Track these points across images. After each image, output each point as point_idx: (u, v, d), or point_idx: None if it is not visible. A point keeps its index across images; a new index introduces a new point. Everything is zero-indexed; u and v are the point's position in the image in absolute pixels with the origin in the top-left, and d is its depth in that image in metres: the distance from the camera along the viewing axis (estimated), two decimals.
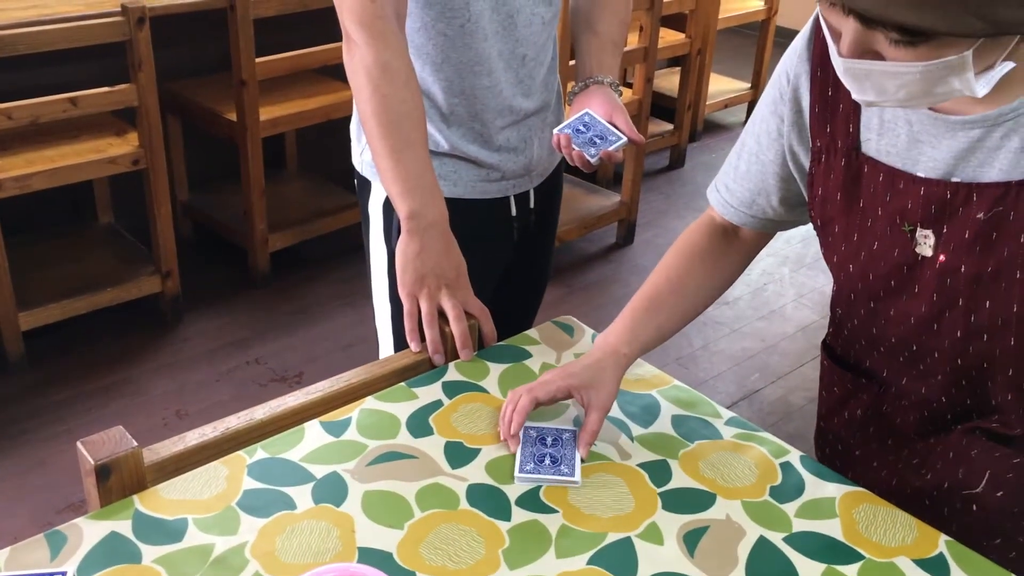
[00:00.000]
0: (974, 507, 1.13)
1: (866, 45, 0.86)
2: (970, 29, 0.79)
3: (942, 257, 1.02)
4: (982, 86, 0.87)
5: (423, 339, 1.29)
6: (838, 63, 0.90)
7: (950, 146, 0.99)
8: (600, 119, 1.42)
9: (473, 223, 1.46)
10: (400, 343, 1.60)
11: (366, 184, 1.54)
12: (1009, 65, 0.87)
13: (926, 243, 1.03)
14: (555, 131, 1.43)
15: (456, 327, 1.26)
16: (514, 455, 1.11)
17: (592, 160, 1.39)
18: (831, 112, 1.08)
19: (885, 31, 0.83)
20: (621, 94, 1.49)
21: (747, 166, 1.20)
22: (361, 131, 1.51)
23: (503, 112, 1.47)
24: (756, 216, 1.22)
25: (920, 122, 1.01)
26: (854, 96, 0.93)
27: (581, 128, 1.41)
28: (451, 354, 1.28)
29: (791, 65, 1.12)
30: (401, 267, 1.29)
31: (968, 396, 1.11)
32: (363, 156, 1.52)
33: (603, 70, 1.50)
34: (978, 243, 0.99)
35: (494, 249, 1.58)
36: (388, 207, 1.48)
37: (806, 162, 1.13)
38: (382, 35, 1.28)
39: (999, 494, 1.11)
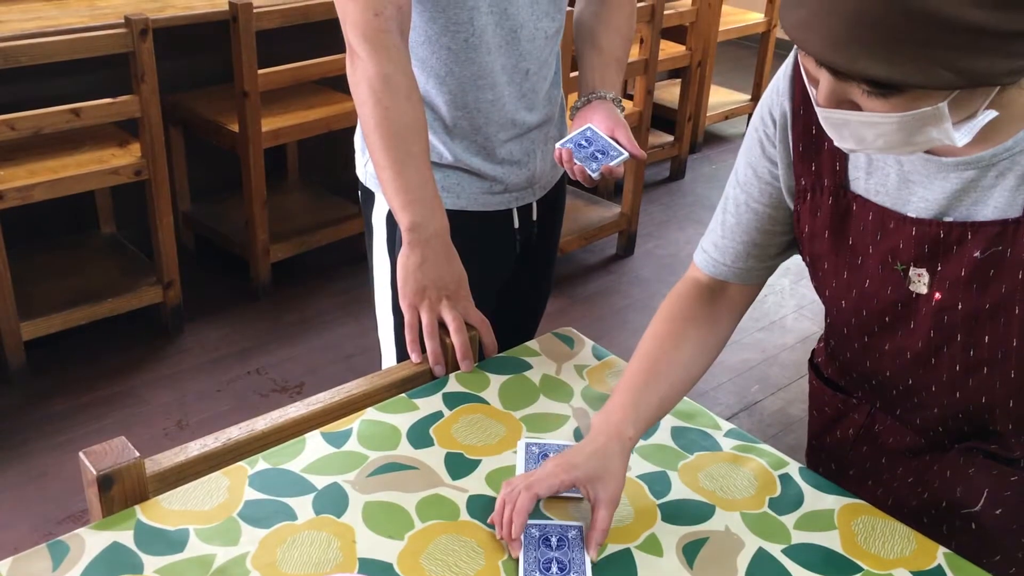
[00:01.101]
0: (973, 525, 1.13)
1: (842, 95, 0.86)
2: (941, 81, 0.78)
3: (937, 295, 1.01)
4: (963, 135, 0.86)
5: (424, 350, 1.29)
6: (818, 111, 0.89)
7: (943, 187, 0.97)
8: (602, 134, 1.42)
9: (476, 235, 1.47)
10: (402, 354, 1.61)
11: (370, 196, 1.55)
12: (991, 114, 0.86)
13: (920, 281, 1.02)
14: (557, 145, 1.43)
15: (456, 338, 1.27)
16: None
17: (594, 175, 1.39)
18: (815, 150, 1.06)
19: (857, 83, 0.82)
20: (624, 109, 1.50)
21: (737, 218, 1.16)
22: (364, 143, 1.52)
23: (506, 125, 1.48)
24: (751, 269, 1.18)
25: (911, 162, 0.99)
26: (836, 143, 0.92)
27: (583, 143, 1.42)
28: (452, 365, 1.29)
29: (774, 104, 1.09)
30: (402, 279, 1.30)
31: (965, 425, 1.11)
32: (367, 168, 1.53)
33: (606, 86, 1.50)
34: (975, 281, 0.98)
35: (496, 261, 1.58)
36: (391, 219, 1.49)
37: (790, 201, 1.11)
38: (385, 49, 1.29)
39: (998, 512, 1.11)
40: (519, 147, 1.51)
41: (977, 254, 0.97)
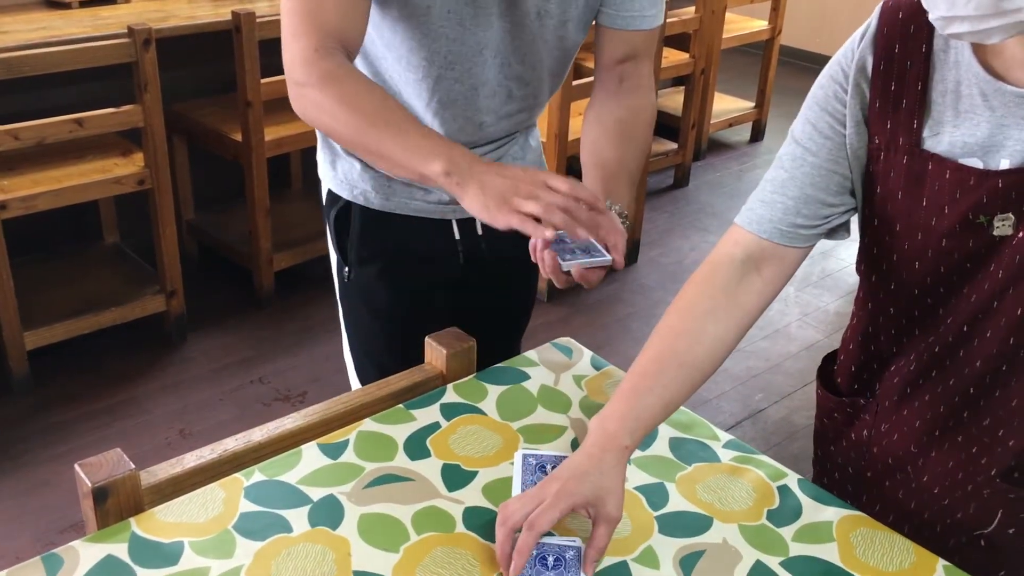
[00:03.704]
0: (982, 543, 1.12)
1: None
2: None
3: (1021, 234, 0.99)
4: None
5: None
6: None
7: None
8: (591, 239, 1.21)
9: (417, 238, 1.46)
10: (362, 370, 1.61)
11: (326, 210, 1.53)
12: None
13: (1005, 224, 1.00)
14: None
15: (583, 218, 1.11)
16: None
17: (563, 266, 1.17)
18: (893, 107, 1.05)
19: None
20: (628, 221, 1.32)
21: (791, 172, 1.13)
22: (327, 147, 1.50)
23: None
24: (797, 228, 1.13)
25: (1005, 105, 0.98)
26: (930, 16, 0.92)
27: (567, 239, 1.20)
28: (450, 375, 1.28)
29: (851, 60, 1.08)
30: (482, 211, 1.14)
31: (982, 398, 1.09)
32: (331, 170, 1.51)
33: (612, 197, 1.33)
34: None
35: (437, 264, 1.52)
36: (339, 236, 1.49)
37: (863, 158, 1.09)
38: (333, 75, 1.20)
39: (1011, 531, 1.10)
40: None
41: None
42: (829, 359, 1.32)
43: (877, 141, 1.07)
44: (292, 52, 1.23)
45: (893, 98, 1.05)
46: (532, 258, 1.20)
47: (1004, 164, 0.99)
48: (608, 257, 1.20)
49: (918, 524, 1.18)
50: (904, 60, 1.04)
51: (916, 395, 1.15)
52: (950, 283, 1.07)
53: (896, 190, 1.06)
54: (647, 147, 1.46)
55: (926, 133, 1.04)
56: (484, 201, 1.12)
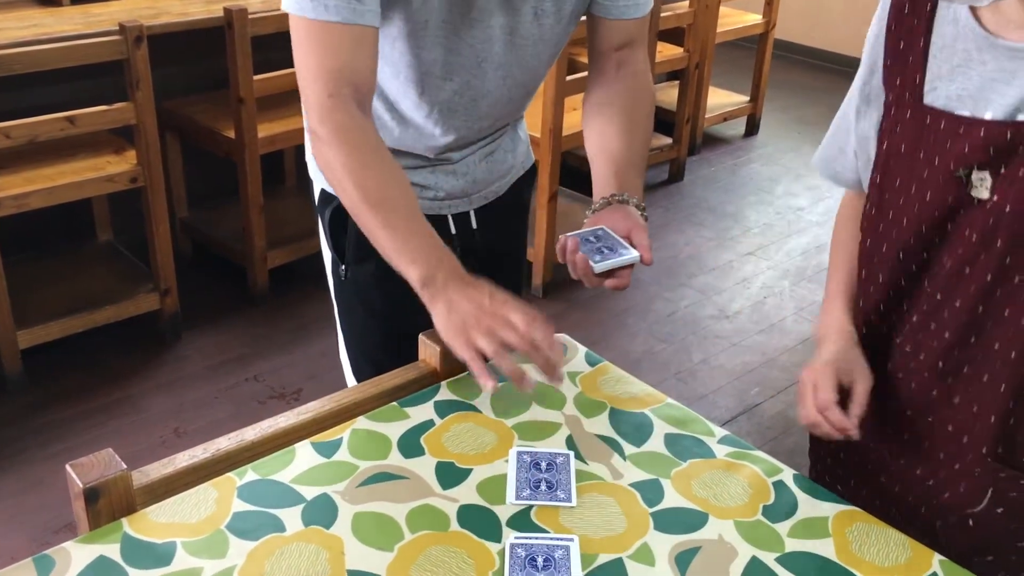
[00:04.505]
0: (970, 522, 1.12)
1: None
2: None
3: (995, 197, 1.03)
4: None
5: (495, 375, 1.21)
6: None
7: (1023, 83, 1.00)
8: (614, 234, 1.28)
9: None
10: (358, 368, 1.61)
11: (319, 208, 1.53)
12: None
13: (982, 186, 1.04)
14: (562, 236, 1.30)
15: (536, 359, 1.16)
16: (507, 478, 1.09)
17: (595, 267, 1.23)
18: (901, 64, 1.11)
19: None
20: (645, 214, 1.34)
21: (836, 126, 1.27)
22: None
23: (437, 149, 1.46)
24: (838, 172, 1.28)
25: (996, 59, 1.02)
26: None
27: (591, 238, 1.27)
28: (444, 374, 1.27)
29: (874, 31, 1.16)
30: (443, 333, 1.20)
31: (950, 375, 1.12)
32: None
33: (626, 188, 1.35)
34: None
35: None
36: (333, 234, 1.49)
37: (878, 117, 1.16)
38: (344, 130, 1.24)
39: (999, 510, 1.11)
40: (457, 155, 1.48)
41: None
42: None
43: (889, 97, 1.13)
44: (307, 96, 1.26)
45: (901, 56, 1.11)
46: (559, 259, 1.26)
47: (989, 116, 1.03)
48: (636, 254, 1.25)
49: (903, 508, 1.19)
50: (912, 19, 1.10)
51: (896, 370, 1.17)
52: (931, 245, 1.10)
53: (899, 144, 1.11)
54: (651, 133, 1.46)
55: (927, 88, 1.09)
56: (446, 324, 1.18)
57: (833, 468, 1.29)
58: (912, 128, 1.10)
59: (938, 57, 1.08)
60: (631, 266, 1.27)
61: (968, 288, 1.07)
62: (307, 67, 1.25)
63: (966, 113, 1.05)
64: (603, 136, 1.41)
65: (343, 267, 1.52)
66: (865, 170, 1.21)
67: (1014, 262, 1.04)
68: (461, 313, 1.18)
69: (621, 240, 1.28)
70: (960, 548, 1.11)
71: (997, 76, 1.02)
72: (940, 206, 1.08)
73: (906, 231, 1.13)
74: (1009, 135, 1.01)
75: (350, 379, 1.65)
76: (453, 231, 1.52)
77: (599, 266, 1.23)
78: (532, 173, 1.67)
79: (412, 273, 1.22)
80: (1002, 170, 1.02)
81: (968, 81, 1.05)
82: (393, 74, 1.36)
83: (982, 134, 1.03)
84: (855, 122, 1.21)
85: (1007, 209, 1.02)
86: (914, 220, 1.11)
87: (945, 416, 1.14)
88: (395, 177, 1.27)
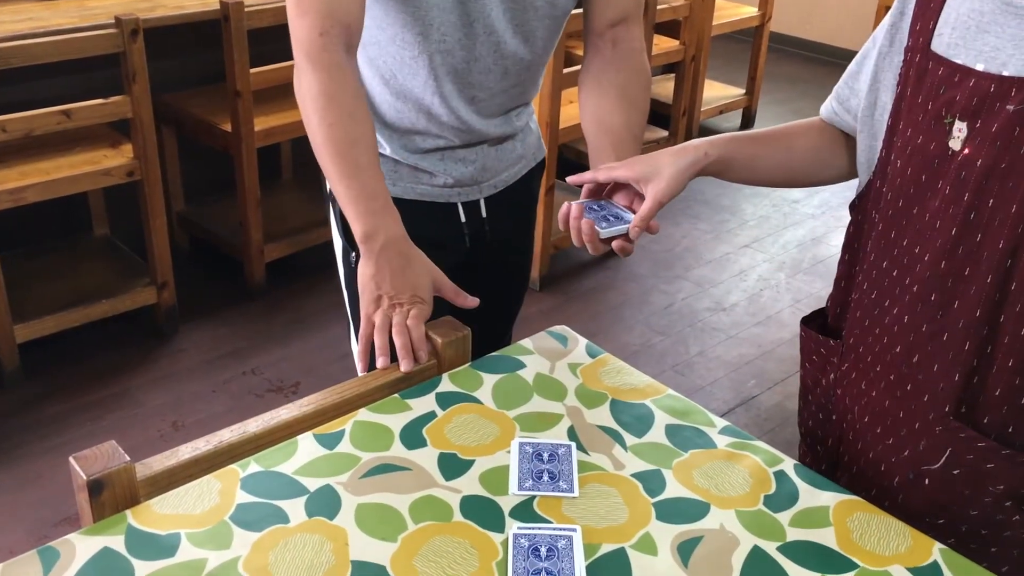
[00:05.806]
0: (926, 481, 1.14)
1: None
2: None
3: (966, 150, 1.04)
4: None
5: (374, 360, 1.28)
6: None
7: (1013, 35, 1.01)
8: (616, 205, 1.31)
9: (421, 223, 1.45)
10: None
11: (329, 197, 1.55)
12: None
13: (958, 136, 1.05)
14: (565, 203, 1.32)
15: (397, 340, 1.23)
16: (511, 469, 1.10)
17: (602, 233, 1.26)
18: (922, 12, 1.12)
19: None
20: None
21: (858, 67, 1.25)
22: None
23: (451, 134, 1.46)
24: (851, 112, 1.25)
25: (992, 12, 1.03)
26: None
27: (594, 207, 1.30)
28: (447, 364, 1.28)
29: None
30: (360, 290, 1.27)
31: (913, 332, 1.13)
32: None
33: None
34: (1000, 137, 1.01)
35: (445, 250, 1.53)
36: (344, 223, 1.49)
37: (899, 61, 1.17)
38: (328, 68, 1.26)
39: (955, 472, 1.12)
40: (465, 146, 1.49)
41: (1010, 107, 0.99)
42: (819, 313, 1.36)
43: (908, 43, 1.14)
44: (297, 30, 1.28)
45: (924, 10, 1.12)
46: (560, 226, 1.28)
47: (979, 67, 1.04)
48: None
49: (866, 466, 1.21)
50: None
51: (869, 330, 1.18)
52: (916, 195, 1.11)
53: (906, 89, 1.13)
54: (647, 111, 1.47)
55: (937, 33, 1.10)
56: (364, 285, 1.25)
57: (824, 424, 1.30)
58: (917, 75, 1.11)
59: (948, 7, 1.09)
60: None
61: (935, 242, 1.08)
62: (299, 1, 1.27)
63: (960, 61, 1.06)
64: (600, 109, 1.42)
65: (353, 254, 1.52)
66: (867, 113, 1.21)
67: (977, 219, 1.04)
68: (382, 282, 1.25)
69: (623, 209, 1.30)
70: (914, 508, 1.12)
71: (989, 28, 1.03)
72: (924, 152, 1.09)
73: (895, 174, 1.14)
74: (992, 88, 1.02)
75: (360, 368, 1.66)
76: (463, 219, 1.53)
77: (605, 232, 1.25)
78: (543, 165, 1.68)
79: (357, 227, 1.26)
80: (978, 124, 1.03)
81: (966, 31, 1.05)
82: (388, 40, 1.37)
83: (971, 84, 1.04)
84: (875, 60, 1.20)
85: (978, 164, 1.03)
86: (904, 164, 1.12)
87: (903, 374, 1.15)
88: (365, 130, 1.28)
